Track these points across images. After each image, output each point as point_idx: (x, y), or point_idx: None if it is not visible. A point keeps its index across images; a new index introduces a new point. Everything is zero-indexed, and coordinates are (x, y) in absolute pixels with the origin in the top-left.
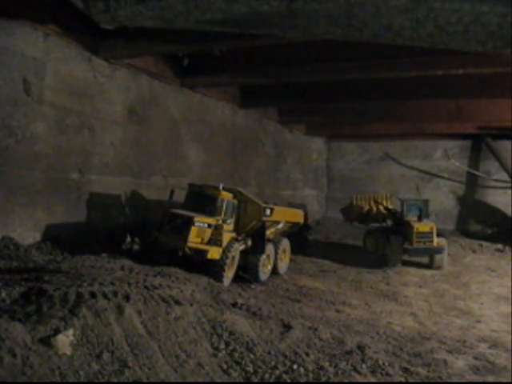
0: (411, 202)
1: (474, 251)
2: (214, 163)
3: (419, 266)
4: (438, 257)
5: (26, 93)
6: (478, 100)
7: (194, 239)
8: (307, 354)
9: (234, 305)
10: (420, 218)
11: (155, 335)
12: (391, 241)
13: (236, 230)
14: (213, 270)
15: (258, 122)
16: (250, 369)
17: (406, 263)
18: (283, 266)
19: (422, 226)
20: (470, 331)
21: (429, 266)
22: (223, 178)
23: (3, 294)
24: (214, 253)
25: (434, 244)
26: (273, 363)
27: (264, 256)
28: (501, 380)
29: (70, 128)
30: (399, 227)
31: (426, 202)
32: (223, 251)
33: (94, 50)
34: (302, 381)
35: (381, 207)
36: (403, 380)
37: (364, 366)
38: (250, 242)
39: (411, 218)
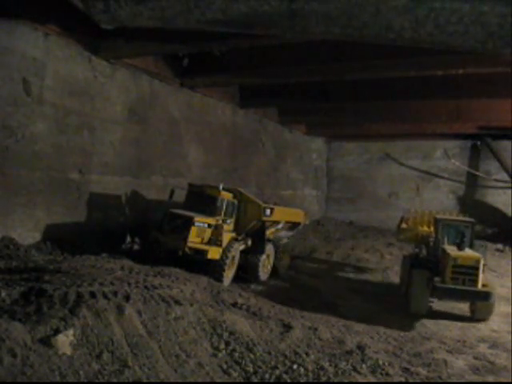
0: (450, 222)
1: None
2: (213, 163)
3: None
4: (482, 304)
5: (26, 93)
6: (478, 100)
7: (193, 239)
8: (307, 354)
9: (234, 305)
10: (461, 247)
11: (155, 335)
12: (413, 275)
13: (236, 230)
14: (213, 270)
15: (258, 122)
16: (250, 369)
17: (433, 314)
18: (283, 266)
19: (464, 258)
20: (470, 331)
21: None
22: (223, 178)
23: (3, 294)
24: (214, 253)
25: (479, 285)
26: (273, 363)
27: (264, 256)
28: (501, 380)
29: (69, 128)
30: (429, 257)
31: (472, 224)
32: (223, 251)
33: (94, 50)
34: (302, 381)
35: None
36: (403, 380)
37: (364, 366)
38: (250, 242)
39: (449, 245)
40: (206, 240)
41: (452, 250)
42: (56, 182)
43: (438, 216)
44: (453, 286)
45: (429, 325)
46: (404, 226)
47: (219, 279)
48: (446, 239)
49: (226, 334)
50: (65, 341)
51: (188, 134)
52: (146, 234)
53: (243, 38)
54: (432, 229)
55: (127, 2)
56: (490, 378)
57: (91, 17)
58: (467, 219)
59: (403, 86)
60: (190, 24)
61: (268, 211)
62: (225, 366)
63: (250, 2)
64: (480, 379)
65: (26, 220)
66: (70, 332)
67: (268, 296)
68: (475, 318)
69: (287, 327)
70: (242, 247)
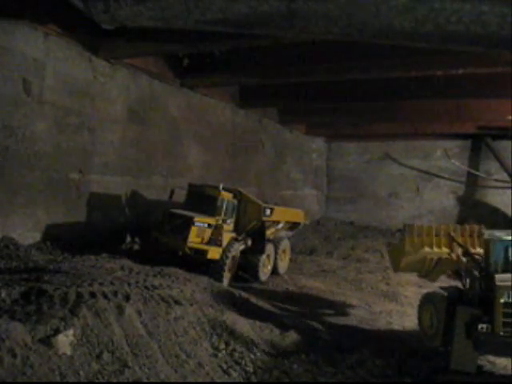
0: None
1: None
2: (213, 163)
3: None
4: None
5: (26, 93)
6: (477, 100)
7: (194, 239)
8: (307, 354)
9: (234, 305)
10: None
11: (155, 335)
12: (457, 321)
13: (236, 230)
14: (213, 270)
15: (258, 122)
16: (250, 369)
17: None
18: (283, 265)
19: None
20: None
21: None
22: (223, 178)
23: (3, 294)
24: (214, 253)
25: None
26: (273, 363)
27: (264, 256)
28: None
29: (70, 128)
30: (483, 293)
31: None
32: (223, 251)
33: (94, 50)
34: (301, 381)
35: (457, 250)
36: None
37: (363, 365)
38: (249, 242)
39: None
40: (206, 240)
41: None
42: (56, 182)
43: (490, 235)
44: (506, 340)
45: None
46: (409, 248)
47: (219, 279)
48: (506, 265)
49: (225, 334)
50: (65, 341)
51: (188, 134)
52: (146, 234)
53: (243, 38)
54: (448, 250)
55: (127, 2)
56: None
57: (91, 17)
58: None
59: (403, 86)
60: (190, 24)
61: (268, 211)
62: (225, 366)
63: (250, 2)
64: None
65: (26, 220)
66: (70, 332)
67: (268, 296)
68: None
69: (287, 327)
70: (241, 247)
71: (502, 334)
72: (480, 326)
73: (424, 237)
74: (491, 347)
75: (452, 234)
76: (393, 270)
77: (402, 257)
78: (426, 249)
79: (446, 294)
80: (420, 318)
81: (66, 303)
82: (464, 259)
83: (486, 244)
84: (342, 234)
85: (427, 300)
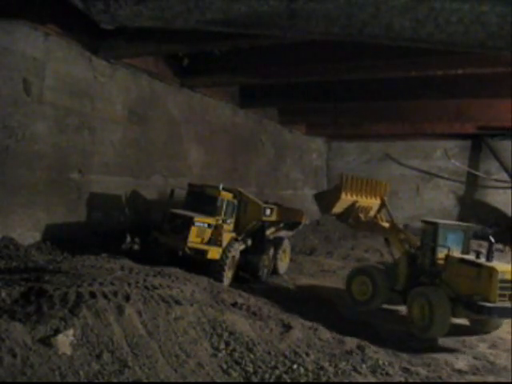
0: (451, 227)
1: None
2: (213, 163)
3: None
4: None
5: (26, 93)
6: (478, 100)
7: (194, 239)
8: (307, 354)
9: (234, 305)
10: (489, 257)
11: (155, 335)
12: (430, 294)
13: (236, 230)
14: (213, 270)
15: (258, 122)
16: (250, 369)
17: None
18: (283, 265)
19: (506, 271)
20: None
21: (474, 330)
22: (223, 178)
23: (3, 294)
24: (214, 253)
25: None
26: (273, 363)
27: (264, 256)
28: (501, 380)
29: (70, 128)
30: (431, 268)
31: (469, 229)
32: (223, 251)
33: (94, 50)
34: (302, 381)
35: (382, 215)
36: (403, 380)
37: (364, 366)
38: (249, 242)
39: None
40: (206, 240)
41: (485, 262)
42: (56, 182)
43: (436, 220)
44: (501, 306)
45: None
46: (344, 195)
47: (219, 279)
48: (449, 247)
49: (226, 334)
50: (65, 341)
51: (188, 134)
52: (146, 234)
53: (243, 38)
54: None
55: (127, 2)
56: (490, 378)
57: (91, 17)
58: (467, 224)
59: (403, 86)
60: (190, 24)
61: (268, 211)
62: (225, 366)
63: (250, 2)
64: (480, 379)
65: (25, 220)
66: (70, 332)
67: (268, 296)
68: (484, 330)
69: (287, 327)
70: (241, 247)
71: (497, 303)
72: (475, 298)
73: (358, 188)
74: (494, 311)
75: (384, 198)
76: (321, 213)
77: (336, 201)
78: (357, 198)
79: (383, 267)
80: (349, 288)
81: (66, 303)
82: (387, 225)
83: (435, 229)
84: (342, 234)
85: (358, 272)
